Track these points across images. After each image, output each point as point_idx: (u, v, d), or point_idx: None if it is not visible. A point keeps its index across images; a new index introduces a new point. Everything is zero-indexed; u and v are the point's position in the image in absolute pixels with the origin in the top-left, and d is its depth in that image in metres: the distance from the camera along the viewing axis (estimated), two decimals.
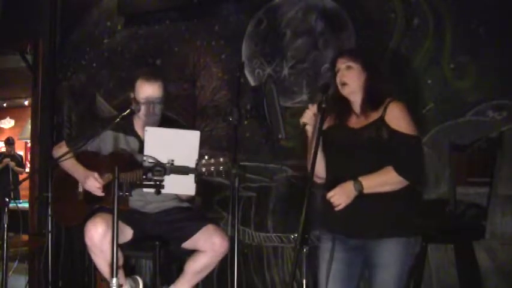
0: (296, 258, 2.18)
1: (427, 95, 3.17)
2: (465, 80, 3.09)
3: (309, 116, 2.44)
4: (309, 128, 2.45)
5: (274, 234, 3.64)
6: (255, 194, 3.69)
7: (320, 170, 2.47)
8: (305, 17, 3.58)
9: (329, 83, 2.39)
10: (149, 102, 2.83)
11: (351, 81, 2.41)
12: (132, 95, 2.92)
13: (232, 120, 2.52)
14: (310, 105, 2.45)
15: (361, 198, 2.29)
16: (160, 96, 2.86)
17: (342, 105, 2.46)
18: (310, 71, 3.55)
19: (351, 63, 2.42)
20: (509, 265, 2.92)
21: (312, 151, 2.31)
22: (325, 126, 2.44)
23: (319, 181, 2.51)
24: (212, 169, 2.37)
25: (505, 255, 2.94)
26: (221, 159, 2.38)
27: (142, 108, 2.84)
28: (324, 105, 2.32)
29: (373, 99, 2.40)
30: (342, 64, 2.44)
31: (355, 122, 2.45)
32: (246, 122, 3.60)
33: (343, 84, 2.41)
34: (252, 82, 3.74)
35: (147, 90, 2.84)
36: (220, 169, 2.37)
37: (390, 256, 2.30)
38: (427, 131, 3.15)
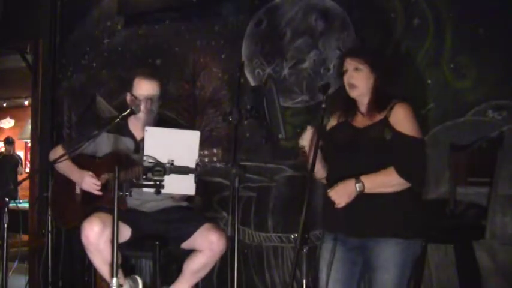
0: (296, 258, 2.17)
1: (427, 95, 3.16)
2: (465, 80, 3.08)
3: (307, 139, 2.45)
4: (307, 150, 2.47)
5: (274, 234, 3.63)
6: (255, 194, 3.69)
7: (320, 170, 2.47)
8: (305, 17, 3.58)
9: (329, 83, 2.38)
10: (147, 99, 2.87)
11: (360, 83, 2.38)
12: (128, 95, 2.93)
13: (232, 120, 2.51)
14: (308, 127, 2.45)
15: (363, 197, 2.28)
16: (157, 94, 2.92)
17: (349, 104, 2.45)
18: (310, 71, 3.55)
19: (360, 65, 2.38)
20: (509, 265, 2.92)
21: (312, 152, 2.31)
22: (329, 127, 2.43)
23: (319, 178, 2.53)
24: (206, 160, 2.37)
25: (505, 255, 2.93)
26: (214, 150, 2.39)
27: (141, 105, 2.86)
28: (323, 106, 2.31)
29: (380, 101, 2.38)
30: (350, 65, 2.40)
31: (360, 122, 2.44)
32: (246, 122, 3.60)
33: (352, 86, 2.39)
34: (252, 82, 3.74)
35: (146, 87, 2.89)
36: (214, 159, 2.38)
37: (389, 257, 2.28)
38: (427, 131, 3.15)
